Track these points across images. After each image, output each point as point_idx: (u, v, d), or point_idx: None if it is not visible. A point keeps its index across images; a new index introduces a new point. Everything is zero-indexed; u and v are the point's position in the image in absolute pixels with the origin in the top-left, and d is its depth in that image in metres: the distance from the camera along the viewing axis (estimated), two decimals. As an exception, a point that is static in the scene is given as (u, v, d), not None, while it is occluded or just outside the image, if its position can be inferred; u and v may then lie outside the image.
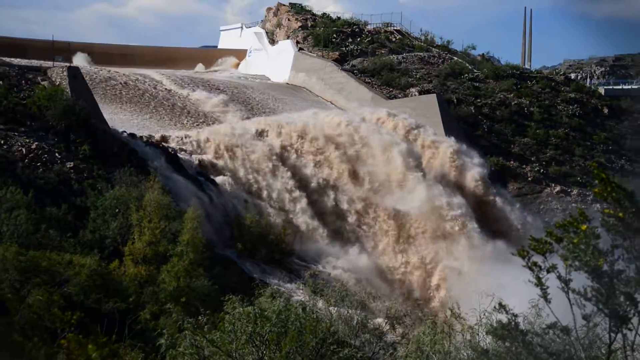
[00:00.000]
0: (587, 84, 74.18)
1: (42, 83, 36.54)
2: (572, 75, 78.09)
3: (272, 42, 76.64)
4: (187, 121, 47.92)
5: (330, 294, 16.27)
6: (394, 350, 15.76)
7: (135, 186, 29.72)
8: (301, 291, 17.40)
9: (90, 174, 31.67)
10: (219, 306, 14.16)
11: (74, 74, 37.60)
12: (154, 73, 58.56)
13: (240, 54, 79.17)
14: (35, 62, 48.16)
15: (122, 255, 25.44)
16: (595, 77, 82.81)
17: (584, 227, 6.39)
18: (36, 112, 33.39)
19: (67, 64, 43.87)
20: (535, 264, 6.77)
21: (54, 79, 37.09)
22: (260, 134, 43.79)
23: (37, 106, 33.42)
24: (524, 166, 54.99)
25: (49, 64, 43.46)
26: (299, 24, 75.94)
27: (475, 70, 66.63)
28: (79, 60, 62.26)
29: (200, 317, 13.16)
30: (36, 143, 31.74)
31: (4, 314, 13.65)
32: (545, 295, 6.85)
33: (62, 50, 56.20)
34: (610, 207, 6.28)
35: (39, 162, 30.98)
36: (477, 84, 63.52)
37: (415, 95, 58.61)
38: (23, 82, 36.32)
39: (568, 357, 6.96)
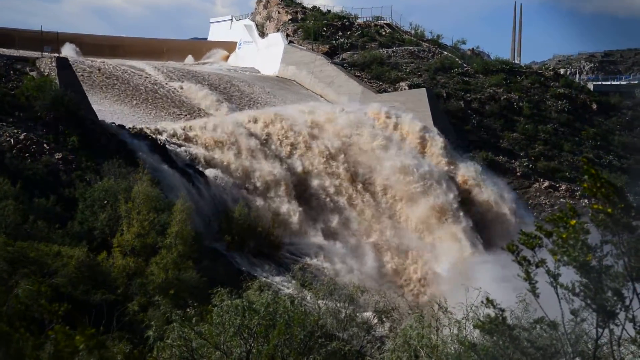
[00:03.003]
0: (576, 80, 74.50)
1: (31, 73, 36.34)
2: (562, 71, 78.39)
3: (262, 34, 76.47)
4: (176, 113, 47.78)
5: (319, 287, 16.29)
6: (382, 344, 15.81)
7: (124, 178, 29.64)
8: (290, 284, 17.42)
9: (78, 165, 31.54)
10: (208, 299, 14.16)
11: (63, 64, 37.41)
12: (143, 65, 58.30)
13: (230, 47, 78.96)
14: (23, 53, 47.83)
15: (110, 247, 25.39)
16: (584, 73, 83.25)
17: (573, 222, 6.41)
18: (24, 102, 33.21)
19: (56, 55, 43.61)
20: (524, 258, 6.80)
21: (42, 70, 36.90)
22: (250, 127, 43.69)
23: (26, 97, 33.25)
24: (513, 161, 55.13)
25: (38, 54, 43.17)
26: (289, 16, 75.78)
27: (465, 65, 66.69)
28: (68, 50, 61.88)
29: (188, 310, 13.15)
30: (24, 134, 31.58)
31: (-9, 305, 13.59)
32: (533, 290, 6.88)
33: (51, 40, 55.81)
34: (599, 202, 6.30)
35: (27, 152, 30.82)
36: (467, 79, 63.57)
37: (405, 89, 58.60)
38: (11, 72, 36.10)
39: (555, 351, 6.99)
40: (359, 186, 43.90)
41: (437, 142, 49.34)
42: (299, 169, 42.52)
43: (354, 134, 46.24)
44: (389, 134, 48.01)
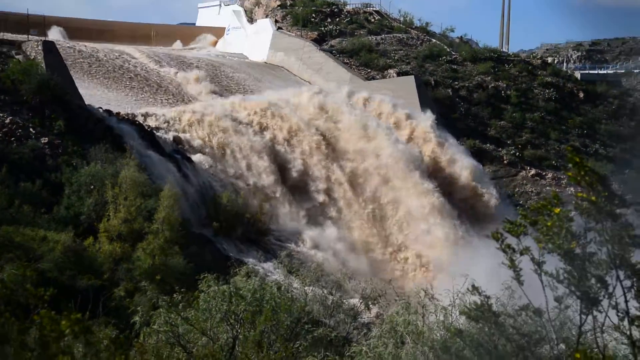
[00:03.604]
0: (564, 68, 74.58)
1: (17, 57, 36.06)
2: (549, 59, 78.41)
3: (251, 20, 76.07)
4: (164, 98, 47.60)
5: (306, 274, 16.33)
6: (368, 330, 15.87)
7: (111, 163, 29.53)
8: (277, 270, 17.45)
9: (65, 149, 31.37)
10: (194, 284, 14.17)
11: (49, 48, 37.13)
12: (130, 49, 57.96)
13: (218, 32, 78.51)
14: (9, 36, 47.42)
15: (96, 232, 25.33)
16: (572, 62, 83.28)
17: (557, 210, 6.44)
18: (10, 86, 32.96)
19: (42, 38, 43.27)
20: (508, 246, 6.83)
21: (28, 53, 36.62)
22: (237, 113, 43.56)
23: (12, 80, 32.99)
24: (500, 149, 55.34)
25: (24, 37, 42.82)
26: (278, 2, 75.46)
27: (453, 53, 66.68)
28: (54, 34, 61.32)
29: (175, 295, 13.15)
30: (10, 118, 31.38)
31: (-24, 290, 13.55)
32: (518, 278, 6.92)
33: (37, 24, 55.40)
34: (584, 190, 6.34)
35: (13, 137, 30.64)
36: (455, 67, 63.61)
37: (393, 76, 58.61)
38: (-3, 55, 35.83)
39: (539, 338, 7.05)
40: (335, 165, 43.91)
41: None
42: (285, 154, 42.46)
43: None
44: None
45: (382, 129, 46.07)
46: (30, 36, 44.75)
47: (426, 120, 49.75)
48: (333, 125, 45.55)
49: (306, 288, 15.52)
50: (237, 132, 41.08)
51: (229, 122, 41.43)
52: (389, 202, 43.31)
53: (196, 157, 37.57)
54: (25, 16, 52.48)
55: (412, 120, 49.48)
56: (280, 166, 41.60)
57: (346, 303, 16.23)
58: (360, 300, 16.19)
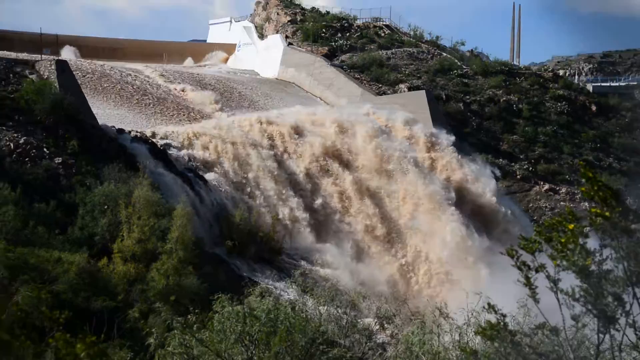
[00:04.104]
0: (575, 81, 74.43)
1: (30, 77, 36.28)
2: (561, 72, 78.30)
3: (262, 36, 76.43)
4: (176, 116, 47.72)
5: (320, 293, 16.26)
6: (384, 351, 15.78)
7: (124, 182, 29.57)
8: (291, 290, 17.37)
9: (78, 169, 31.47)
10: (208, 305, 14.14)
11: (62, 67, 37.35)
12: (142, 67, 58.28)
13: (229, 48, 78.91)
14: (23, 55, 47.82)
15: (111, 253, 25.32)
16: (584, 74, 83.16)
17: (571, 226, 6.40)
18: (24, 106, 33.13)
19: (55, 58, 43.59)
20: (524, 263, 6.79)
21: (42, 73, 36.85)
22: (250, 130, 43.63)
23: (25, 100, 33.17)
24: (513, 164, 55.13)
25: (37, 57, 43.16)
26: (288, 18, 75.81)
27: (464, 67, 66.69)
28: (67, 53, 61.83)
29: (189, 316, 13.13)
30: (24, 138, 31.55)
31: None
32: (534, 295, 6.87)
33: (50, 43, 55.91)
34: (598, 206, 6.30)
35: (27, 157, 30.78)
36: (466, 81, 63.58)
37: (404, 91, 58.62)
38: (10, 75, 36.04)
39: (557, 357, 6.99)
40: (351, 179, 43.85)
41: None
42: (299, 171, 42.44)
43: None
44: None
45: (410, 163, 45.68)
46: (43, 55, 45.08)
47: (447, 144, 49.31)
48: (353, 149, 45.64)
49: (320, 307, 15.46)
50: (249, 148, 41.11)
51: (241, 139, 41.49)
52: (407, 222, 42.99)
53: (209, 175, 37.63)
54: (38, 36, 52.95)
55: (434, 144, 49.11)
56: (295, 184, 41.54)
57: (361, 322, 16.13)
58: (375, 320, 16.10)
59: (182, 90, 53.25)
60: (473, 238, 42.55)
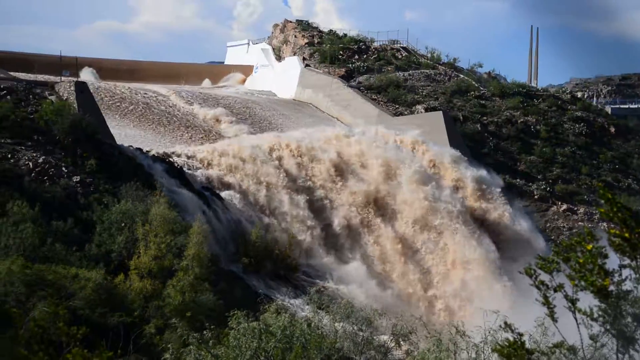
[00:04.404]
0: (594, 103, 74.23)
1: (50, 98, 36.66)
2: (579, 94, 78.15)
3: (279, 58, 76.95)
4: (194, 136, 48.07)
5: (336, 310, 16.24)
6: (399, 368, 15.71)
7: (141, 200, 29.75)
8: (307, 307, 17.35)
9: (96, 188, 31.71)
10: (224, 321, 14.15)
11: (81, 88, 37.74)
12: (160, 88, 58.79)
13: (246, 70, 79.48)
14: (42, 77, 48.36)
15: (127, 270, 25.42)
16: (602, 96, 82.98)
17: (589, 246, 6.39)
18: (43, 126, 33.50)
19: (75, 79, 44.04)
20: (542, 282, 6.77)
21: (61, 94, 37.25)
22: (269, 151, 43.73)
23: (45, 121, 33.53)
24: (530, 184, 54.92)
25: (57, 79, 43.63)
26: (306, 40, 76.26)
27: (481, 88, 66.71)
28: (86, 75, 62.57)
29: (205, 332, 13.16)
30: (43, 157, 31.84)
31: (9, 327, 13.65)
32: (552, 314, 6.84)
33: (70, 65, 56.49)
34: (617, 227, 6.28)
35: (46, 176, 31.05)
36: (484, 102, 63.58)
37: (421, 112, 58.68)
38: (30, 96, 36.44)
39: (575, 377, 6.94)
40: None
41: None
42: (316, 192, 42.41)
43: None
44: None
45: (437, 189, 44.90)
46: (62, 77, 45.57)
47: (473, 174, 48.37)
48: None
49: (336, 324, 15.43)
50: (266, 168, 41.19)
51: (258, 159, 41.60)
52: (426, 242, 42.49)
53: (225, 194, 37.76)
54: (58, 58, 53.52)
55: (456, 171, 48.29)
56: (312, 202, 41.50)
57: (376, 340, 16.08)
58: (391, 337, 16.05)
59: (200, 111, 53.64)
60: None
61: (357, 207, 42.39)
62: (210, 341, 12.74)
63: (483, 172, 49.18)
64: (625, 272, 6.30)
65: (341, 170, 44.20)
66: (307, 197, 41.18)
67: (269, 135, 47.79)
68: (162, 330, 21.48)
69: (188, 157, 39.96)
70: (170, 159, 38.37)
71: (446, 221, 42.98)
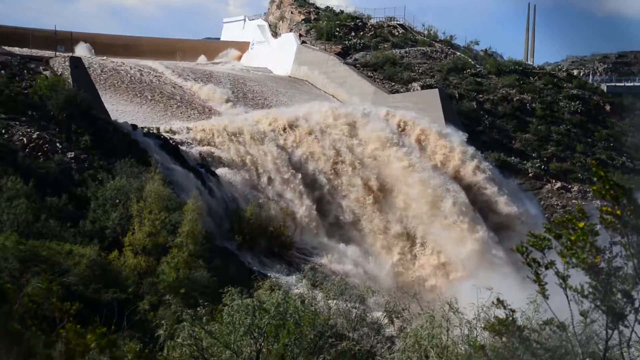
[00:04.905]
0: (590, 81, 74.10)
1: (44, 73, 36.49)
2: (575, 72, 77.99)
3: (275, 34, 76.57)
4: (189, 113, 47.91)
5: (329, 287, 16.30)
6: (392, 344, 15.80)
7: (136, 177, 29.73)
8: (300, 284, 17.45)
9: (91, 164, 31.65)
10: (218, 298, 14.19)
11: (76, 64, 37.55)
12: (156, 64, 58.50)
13: (242, 47, 79.07)
14: (37, 52, 48.03)
15: (121, 246, 25.46)
16: (598, 74, 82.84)
17: (581, 224, 6.40)
18: (38, 101, 33.36)
19: (69, 54, 43.81)
20: (534, 260, 6.79)
21: (56, 69, 37.05)
22: (264, 128, 43.59)
23: (39, 96, 33.39)
24: (525, 162, 54.97)
25: (51, 53, 43.35)
26: (302, 17, 75.87)
27: (477, 66, 66.52)
28: (81, 50, 62.17)
29: (199, 309, 13.20)
30: (37, 133, 31.74)
31: (3, 303, 13.67)
32: (543, 292, 6.87)
33: (64, 40, 56.07)
34: (609, 204, 6.29)
35: (40, 151, 30.97)
36: (480, 80, 63.41)
37: (417, 89, 58.52)
38: (25, 71, 36.27)
39: (564, 352, 6.98)
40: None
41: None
42: (310, 169, 42.33)
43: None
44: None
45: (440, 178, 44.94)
46: (57, 52, 45.29)
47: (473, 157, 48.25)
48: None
49: (330, 301, 15.49)
50: (261, 145, 41.11)
51: (253, 135, 41.50)
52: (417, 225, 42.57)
53: (220, 171, 37.69)
54: (53, 33, 53.13)
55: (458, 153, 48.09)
56: (307, 180, 41.41)
57: (370, 316, 16.16)
58: (384, 314, 16.12)
59: (195, 87, 53.45)
60: None
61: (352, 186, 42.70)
62: (204, 318, 12.78)
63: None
64: (616, 249, 6.32)
65: (337, 149, 44.16)
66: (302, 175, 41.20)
67: (265, 112, 47.65)
68: (156, 307, 21.53)
69: (183, 134, 39.85)
70: (165, 135, 38.27)
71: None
